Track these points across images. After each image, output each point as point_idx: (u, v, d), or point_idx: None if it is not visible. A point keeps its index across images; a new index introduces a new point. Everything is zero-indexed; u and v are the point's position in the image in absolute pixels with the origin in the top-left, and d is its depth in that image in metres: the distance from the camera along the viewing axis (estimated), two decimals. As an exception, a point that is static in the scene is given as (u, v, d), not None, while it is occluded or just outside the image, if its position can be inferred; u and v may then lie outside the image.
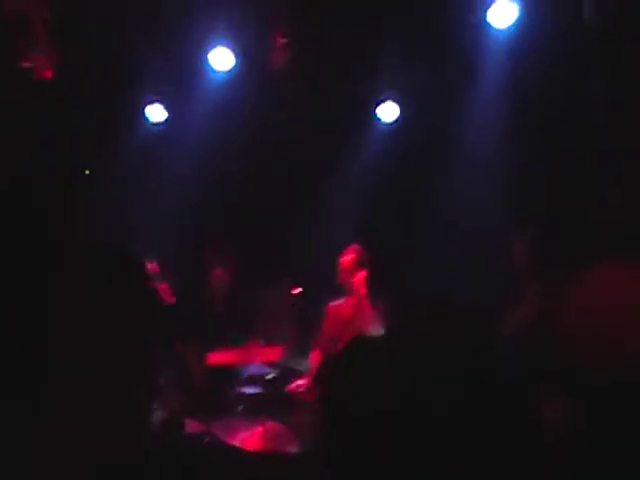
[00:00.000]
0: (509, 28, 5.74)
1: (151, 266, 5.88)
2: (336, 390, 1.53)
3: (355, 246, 5.88)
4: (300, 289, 6.48)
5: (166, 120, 7.25)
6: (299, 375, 5.80)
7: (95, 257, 1.98)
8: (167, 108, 7.24)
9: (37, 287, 1.78)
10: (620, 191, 4.51)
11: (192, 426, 5.06)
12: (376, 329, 5.45)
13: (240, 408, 5.66)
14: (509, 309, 4.94)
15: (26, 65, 6.12)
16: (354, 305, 5.80)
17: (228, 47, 6.74)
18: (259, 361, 5.76)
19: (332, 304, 6.01)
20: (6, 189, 1.94)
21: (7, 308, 1.72)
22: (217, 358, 5.93)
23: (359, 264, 5.79)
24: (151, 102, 7.23)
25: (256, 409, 5.52)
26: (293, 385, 5.75)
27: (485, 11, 5.80)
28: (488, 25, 5.79)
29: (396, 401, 1.41)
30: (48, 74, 6.31)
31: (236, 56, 6.78)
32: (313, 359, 5.92)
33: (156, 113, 7.28)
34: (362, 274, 5.75)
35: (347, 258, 5.83)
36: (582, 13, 4.88)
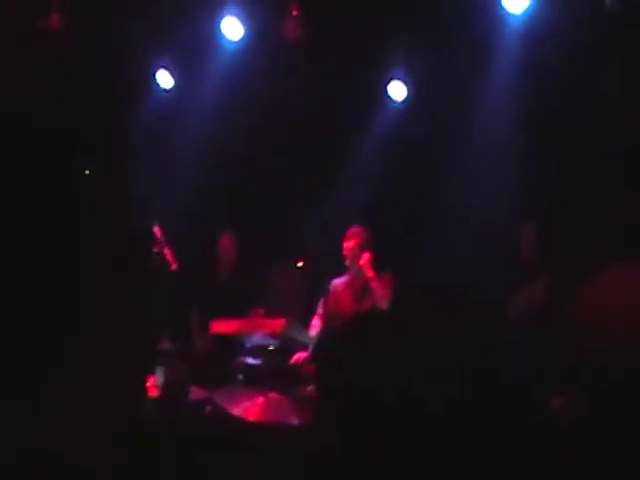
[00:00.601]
0: (524, 13, 5.73)
1: (156, 230, 5.92)
2: (336, 366, 1.56)
3: (356, 229, 5.97)
4: (303, 262, 6.53)
5: (176, 87, 7.24)
6: (301, 347, 5.86)
7: (104, 241, 2.04)
8: (178, 75, 7.23)
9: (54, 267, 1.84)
10: (631, 187, 4.53)
11: (195, 393, 5.14)
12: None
13: (241, 378, 5.72)
14: (516, 298, 5.00)
15: (42, 23, 6.19)
16: (362, 287, 5.89)
17: (240, 17, 6.73)
18: (262, 332, 5.82)
19: (335, 281, 6.10)
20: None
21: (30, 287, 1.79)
22: (220, 327, 6.00)
23: (363, 247, 5.90)
24: (161, 68, 7.22)
25: (258, 379, 5.58)
26: (295, 356, 5.83)
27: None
28: (503, 9, 5.78)
29: (396, 380, 1.45)
30: (62, 30, 6.38)
31: (248, 26, 6.76)
32: (312, 332, 6.00)
33: (166, 79, 7.28)
34: (367, 256, 5.85)
35: (350, 243, 5.94)
36: (603, 1, 4.85)
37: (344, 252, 5.97)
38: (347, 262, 6.00)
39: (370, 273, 5.84)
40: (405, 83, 6.63)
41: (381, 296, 5.71)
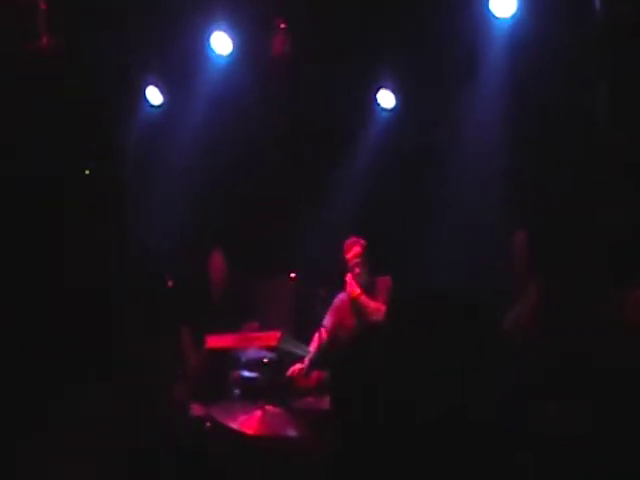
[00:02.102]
0: (512, 19, 5.76)
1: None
2: (346, 382, 1.54)
3: (353, 239, 5.98)
4: (295, 274, 6.51)
5: (166, 103, 7.26)
6: (296, 359, 5.85)
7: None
8: (167, 91, 7.24)
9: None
10: (617, 199, 4.55)
11: (194, 409, 5.11)
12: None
13: (238, 392, 5.68)
14: (506, 306, 4.99)
15: (28, 47, 6.14)
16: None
17: (227, 31, 6.78)
18: (257, 345, 5.78)
19: (339, 295, 6.08)
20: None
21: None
22: (215, 342, 5.96)
23: (362, 257, 5.90)
24: (151, 85, 7.24)
25: (254, 393, 5.55)
26: (291, 369, 5.81)
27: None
28: (491, 16, 5.80)
29: (396, 389, 1.43)
30: (50, 54, 6.33)
31: (237, 41, 6.80)
32: (312, 345, 5.98)
33: (156, 95, 7.29)
34: (348, 278, 5.94)
35: (349, 255, 5.94)
36: (591, 7, 4.88)
37: (350, 260, 5.97)
38: (354, 270, 5.98)
39: (355, 292, 5.90)
40: (393, 91, 6.66)
41: (376, 307, 5.75)
